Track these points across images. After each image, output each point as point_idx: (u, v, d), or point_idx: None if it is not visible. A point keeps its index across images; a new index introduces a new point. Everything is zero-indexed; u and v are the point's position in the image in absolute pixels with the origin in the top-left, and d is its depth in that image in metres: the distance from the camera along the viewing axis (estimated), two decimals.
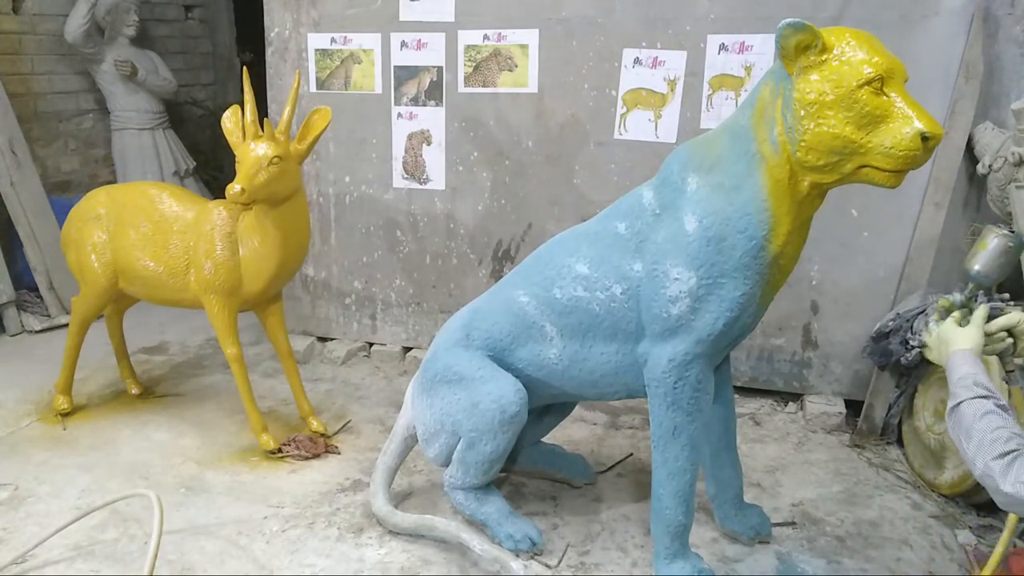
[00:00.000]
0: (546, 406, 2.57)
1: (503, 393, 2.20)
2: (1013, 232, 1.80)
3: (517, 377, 2.25)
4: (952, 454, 2.63)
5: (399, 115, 3.58)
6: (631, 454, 2.95)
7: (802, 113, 1.74)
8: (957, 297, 1.81)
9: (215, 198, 3.13)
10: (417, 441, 2.48)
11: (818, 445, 3.06)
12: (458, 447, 2.32)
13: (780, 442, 3.08)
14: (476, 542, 2.25)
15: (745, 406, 3.34)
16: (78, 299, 3.06)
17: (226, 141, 2.63)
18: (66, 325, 3.40)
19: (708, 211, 1.92)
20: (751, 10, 3.05)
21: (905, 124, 1.67)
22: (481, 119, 3.47)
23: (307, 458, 2.88)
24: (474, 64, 3.42)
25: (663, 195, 2.03)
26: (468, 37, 3.40)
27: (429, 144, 3.57)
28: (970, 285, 1.82)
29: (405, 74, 3.53)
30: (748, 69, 3.10)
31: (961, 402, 1.53)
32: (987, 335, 1.69)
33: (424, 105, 3.54)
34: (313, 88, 3.66)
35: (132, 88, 4.71)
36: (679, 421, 2.05)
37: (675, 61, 3.18)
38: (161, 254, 2.81)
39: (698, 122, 3.19)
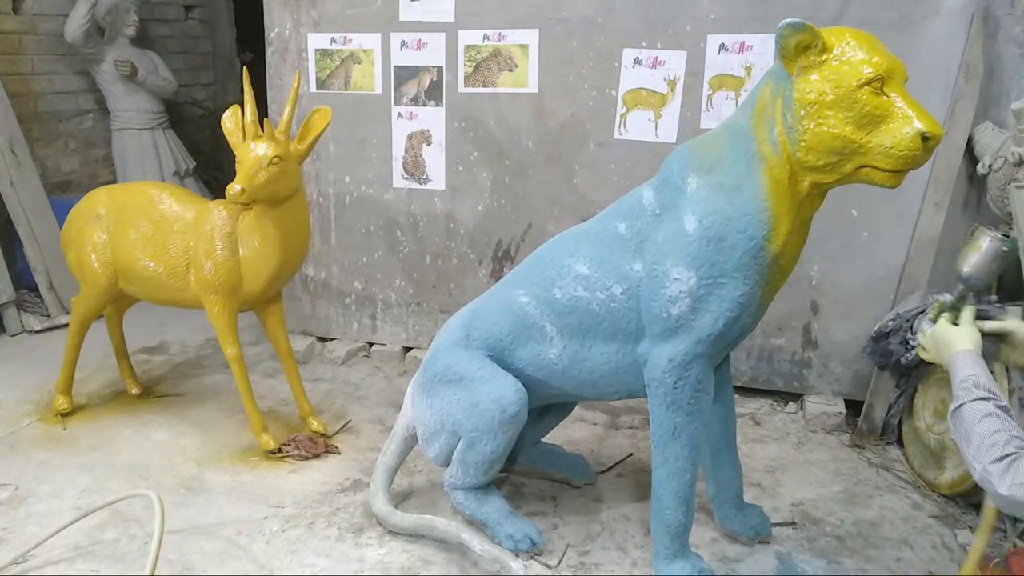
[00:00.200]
0: (546, 406, 2.57)
1: (503, 393, 2.20)
2: (1007, 236, 1.80)
3: (517, 377, 2.25)
4: (952, 454, 2.63)
5: (399, 115, 3.58)
6: (631, 454, 2.95)
7: (802, 113, 1.74)
8: (948, 298, 1.81)
9: (215, 198, 3.13)
10: (417, 441, 2.48)
11: (818, 445, 3.06)
12: (458, 447, 2.32)
13: (780, 442, 3.08)
14: (476, 542, 2.25)
15: (745, 406, 3.34)
16: (78, 299, 3.06)
17: (226, 141, 2.64)
18: (66, 325, 3.40)
19: (708, 211, 1.92)
20: (751, 10, 3.05)
21: (905, 124, 1.67)
22: (481, 119, 3.47)
23: (307, 458, 2.88)
24: (474, 64, 3.42)
25: (663, 195, 2.03)
26: (468, 37, 3.40)
27: (429, 144, 3.57)
28: (960, 286, 1.81)
29: (405, 74, 3.53)
30: (748, 69, 3.10)
31: (962, 404, 1.53)
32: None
33: (424, 105, 3.54)
34: (313, 88, 3.66)
35: (132, 88, 4.71)
36: (679, 421, 2.05)
37: (675, 61, 3.18)
38: (161, 254, 2.81)
39: (698, 122, 3.19)
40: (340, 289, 3.88)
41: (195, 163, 5.17)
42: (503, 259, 3.60)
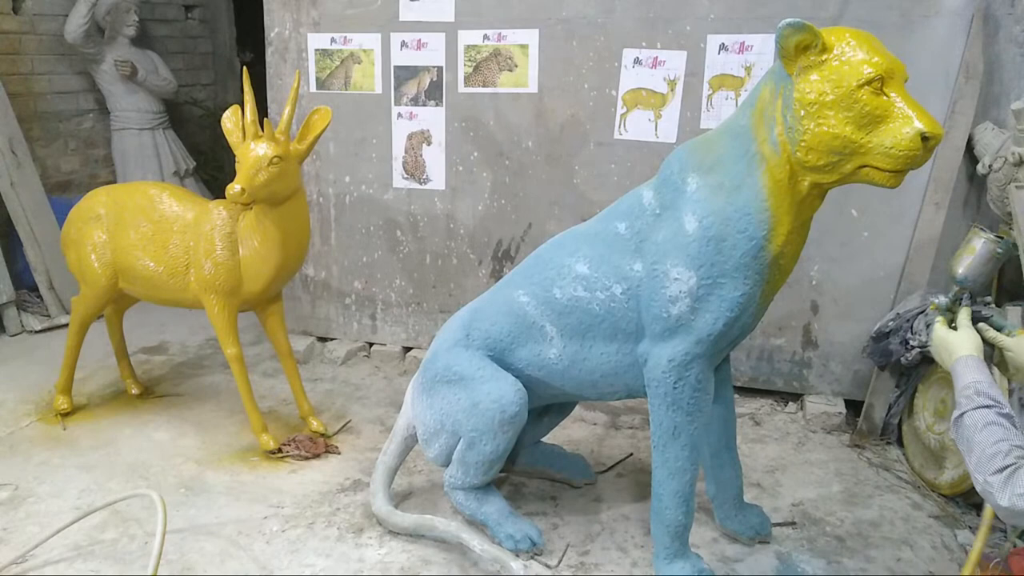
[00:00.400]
0: (546, 406, 2.57)
1: (503, 393, 2.20)
2: (1001, 238, 1.79)
3: (517, 377, 2.25)
4: (952, 454, 2.63)
5: (399, 115, 3.58)
6: (631, 454, 2.95)
7: (802, 113, 1.74)
8: (943, 300, 1.81)
9: (215, 198, 3.13)
10: (417, 441, 2.48)
11: (818, 445, 3.06)
12: (458, 447, 2.32)
13: (780, 442, 3.08)
14: (476, 542, 2.25)
15: (745, 406, 3.34)
16: (78, 299, 3.06)
17: (226, 141, 2.64)
18: (66, 325, 3.40)
19: (708, 211, 1.92)
20: (751, 10, 3.05)
21: (905, 124, 1.67)
22: (481, 119, 3.47)
23: (307, 458, 2.88)
24: (474, 64, 3.42)
25: (663, 195, 2.03)
26: (468, 37, 3.40)
27: (429, 144, 3.57)
28: (955, 288, 1.81)
29: (405, 74, 3.53)
30: (748, 69, 3.10)
31: (964, 413, 1.52)
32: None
33: (424, 105, 3.54)
34: (313, 88, 3.66)
35: (132, 88, 4.71)
36: (679, 421, 2.05)
37: (675, 61, 3.18)
38: (161, 254, 2.81)
39: (698, 122, 3.19)
40: (340, 289, 3.88)
41: (195, 163, 5.17)
42: (503, 259, 3.60)
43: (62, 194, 4.64)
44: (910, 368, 2.92)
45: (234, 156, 2.55)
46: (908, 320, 2.88)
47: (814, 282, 3.22)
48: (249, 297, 2.81)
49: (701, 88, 3.17)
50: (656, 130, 3.26)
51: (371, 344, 3.93)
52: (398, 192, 3.67)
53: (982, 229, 1.81)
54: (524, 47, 3.35)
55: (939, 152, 2.91)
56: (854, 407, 3.20)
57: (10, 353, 3.89)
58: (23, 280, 4.31)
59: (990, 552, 2.16)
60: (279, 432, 3.03)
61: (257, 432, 2.92)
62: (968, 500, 2.58)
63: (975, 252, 1.79)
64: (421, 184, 3.63)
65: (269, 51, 3.69)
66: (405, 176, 3.65)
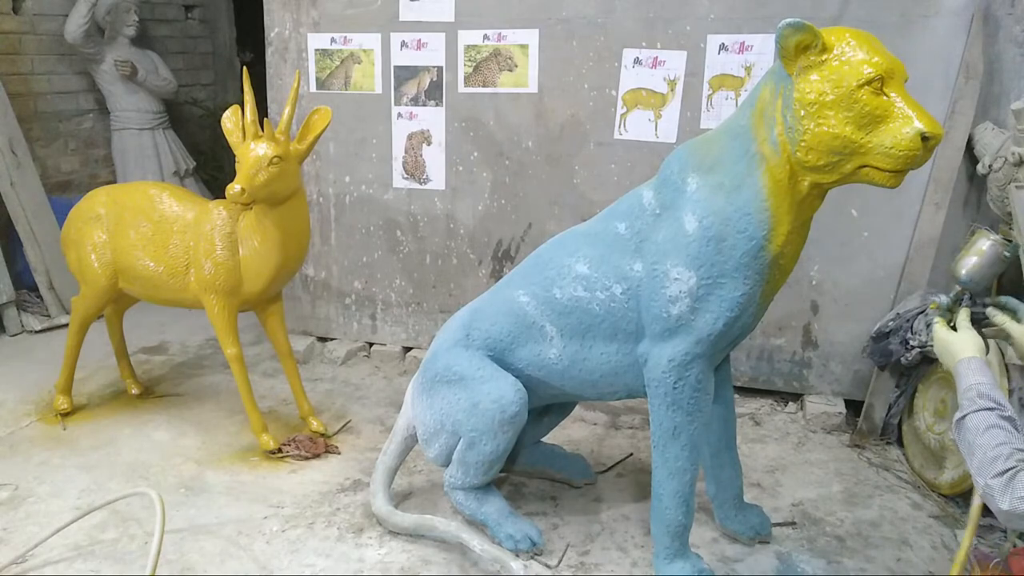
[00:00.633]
0: (546, 406, 2.57)
1: (503, 393, 2.20)
2: (1010, 241, 1.78)
3: (517, 377, 2.25)
4: (952, 454, 2.63)
5: (399, 115, 3.58)
6: (631, 454, 2.95)
7: (802, 113, 1.74)
8: (944, 299, 1.80)
9: (215, 198, 3.13)
10: (417, 441, 2.48)
11: (818, 445, 3.06)
12: (458, 447, 2.32)
13: (780, 442, 3.08)
14: (476, 542, 2.25)
15: (745, 406, 3.34)
16: (78, 299, 3.06)
17: (226, 141, 2.64)
18: (66, 325, 3.40)
19: (708, 211, 1.92)
20: (751, 10, 3.05)
21: (905, 124, 1.67)
22: (481, 119, 3.47)
23: (307, 458, 2.88)
24: (474, 64, 3.42)
25: (663, 195, 2.03)
26: (468, 37, 3.40)
27: (429, 144, 3.57)
28: (956, 288, 1.81)
29: (405, 74, 3.53)
30: (748, 69, 3.10)
31: (966, 415, 1.52)
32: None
33: (424, 105, 3.54)
34: (313, 88, 3.66)
35: (132, 88, 4.71)
36: (679, 421, 2.05)
37: (675, 61, 3.18)
38: (161, 254, 2.81)
39: (698, 122, 3.19)
40: (340, 289, 3.88)
41: (195, 163, 5.16)
42: (503, 259, 3.60)
43: (62, 194, 4.64)
44: (910, 368, 2.92)
45: (234, 156, 2.55)
46: (908, 320, 2.88)
47: (814, 282, 3.22)
48: (249, 297, 2.81)
49: (701, 88, 3.17)
50: (656, 130, 3.26)
51: (371, 344, 3.93)
52: (398, 192, 3.67)
53: (988, 230, 1.80)
54: (524, 47, 3.35)
55: (939, 152, 2.91)
56: (854, 407, 3.20)
57: (10, 353, 3.89)
58: (23, 280, 4.30)
59: (990, 552, 2.16)
60: (279, 432, 3.03)
61: (257, 432, 2.92)
62: (968, 500, 2.58)
63: (982, 254, 1.77)
64: (421, 184, 3.63)
65: (269, 51, 3.69)
66: (405, 176, 3.64)
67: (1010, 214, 2.67)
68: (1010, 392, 2.32)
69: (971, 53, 2.88)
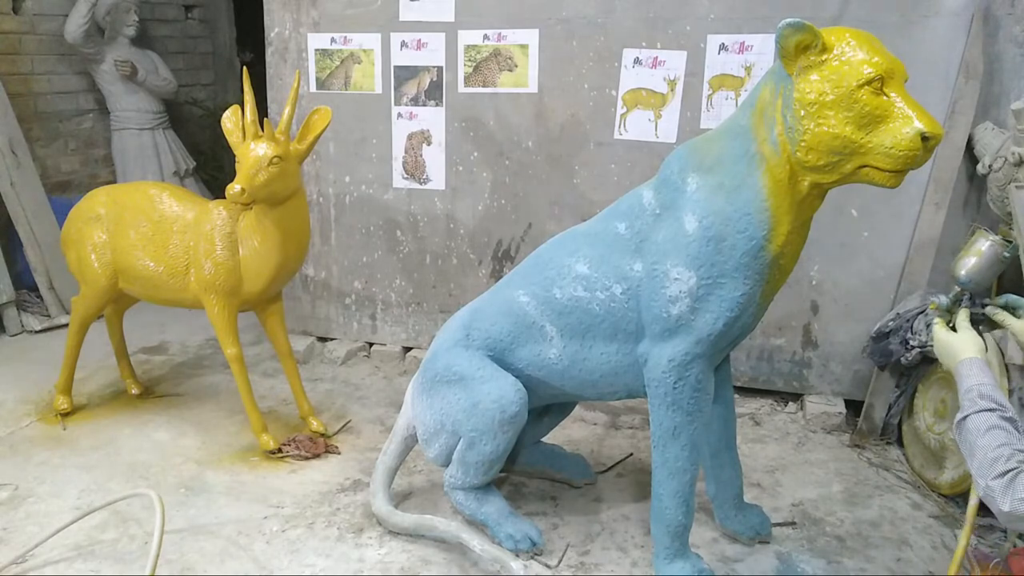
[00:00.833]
0: (546, 406, 2.57)
1: (503, 393, 2.20)
2: (1010, 242, 1.78)
3: (517, 377, 2.25)
4: (952, 454, 2.63)
5: (399, 115, 3.58)
6: (631, 454, 2.95)
7: (802, 113, 1.74)
8: (943, 300, 1.80)
9: (215, 198, 3.13)
10: (417, 441, 2.48)
11: (818, 445, 3.06)
12: (458, 447, 2.32)
13: (780, 442, 3.08)
14: (476, 542, 2.25)
15: (745, 406, 3.34)
16: (78, 299, 3.06)
17: (226, 141, 2.64)
18: (66, 325, 3.40)
19: (708, 211, 1.92)
20: (751, 10, 3.05)
21: (905, 124, 1.67)
22: (481, 119, 3.47)
23: (307, 458, 2.88)
24: (474, 64, 3.42)
25: (663, 195, 2.03)
26: (468, 37, 3.40)
27: (429, 144, 3.57)
28: (956, 289, 1.81)
29: (405, 74, 3.53)
30: (748, 69, 3.10)
31: (967, 416, 1.52)
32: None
33: (424, 105, 3.54)
34: (313, 88, 3.66)
35: (132, 88, 4.71)
36: (679, 421, 2.05)
37: (675, 61, 3.18)
38: (161, 254, 2.81)
39: (698, 122, 3.19)
40: (340, 289, 3.88)
41: (195, 163, 5.17)
42: (503, 259, 3.60)
43: (62, 194, 4.64)
44: (910, 368, 2.92)
45: (234, 156, 2.55)
46: (908, 320, 2.88)
47: (814, 282, 3.22)
48: (249, 297, 2.81)
49: (701, 88, 3.17)
50: (656, 130, 3.26)
51: (371, 344, 3.93)
52: (398, 192, 3.67)
53: (988, 231, 1.80)
54: (524, 47, 3.35)
55: (939, 152, 2.91)
56: (854, 407, 3.20)
57: (10, 353, 3.89)
58: (23, 280, 4.30)
59: (990, 552, 2.16)
60: (279, 432, 3.03)
61: (257, 432, 2.92)
62: (968, 500, 2.58)
63: (981, 254, 1.77)
64: (421, 184, 3.63)
65: (269, 51, 3.69)
66: (405, 176, 3.64)
67: (1010, 214, 2.67)
68: (1010, 392, 2.32)
69: (971, 53, 2.88)
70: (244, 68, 2.75)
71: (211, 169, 5.60)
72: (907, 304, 2.96)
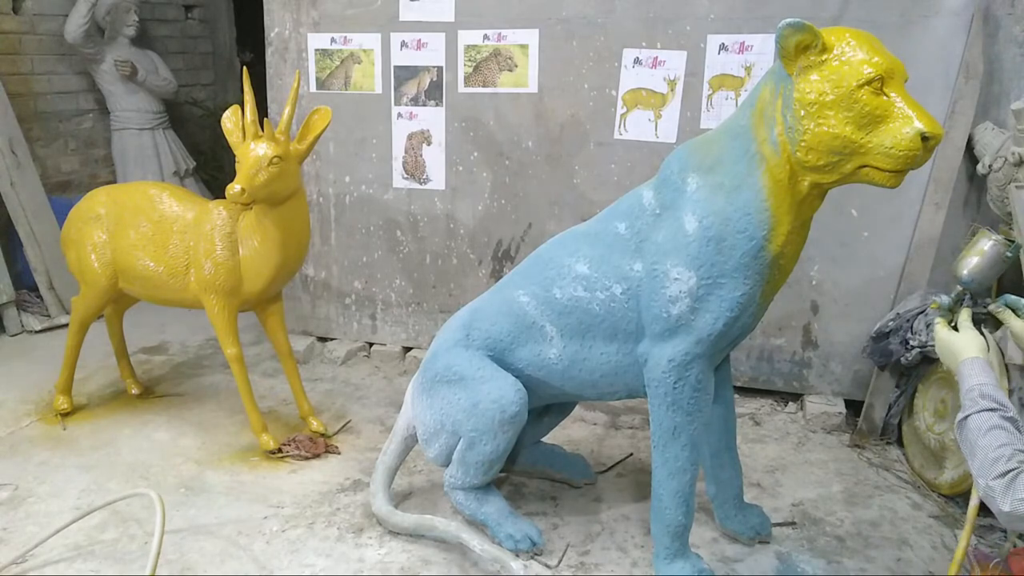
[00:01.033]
0: (546, 406, 2.57)
1: (503, 393, 2.20)
2: (1012, 242, 1.78)
3: (517, 377, 2.25)
4: (952, 454, 2.63)
5: (399, 115, 3.58)
6: (631, 454, 2.95)
7: (802, 113, 1.74)
8: (944, 299, 1.80)
9: (215, 198, 3.13)
10: (417, 441, 2.48)
11: (818, 445, 3.06)
12: (458, 447, 2.32)
13: (780, 442, 3.08)
14: (476, 542, 2.25)
15: (745, 406, 3.34)
16: (78, 299, 3.06)
17: (226, 141, 2.64)
18: (66, 325, 3.40)
19: (708, 211, 1.92)
20: (751, 10, 3.05)
21: (905, 124, 1.67)
22: (481, 119, 3.47)
23: (307, 458, 2.88)
24: (474, 64, 3.42)
25: (663, 195, 2.03)
26: (468, 37, 3.40)
27: (429, 144, 3.57)
28: (957, 288, 1.80)
29: (405, 74, 3.53)
30: (748, 69, 3.10)
31: (968, 416, 1.52)
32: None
33: (424, 105, 3.54)
34: (313, 88, 3.66)
35: (132, 88, 4.71)
36: (679, 421, 2.05)
37: (675, 61, 3.18)
38: (161, 254, 2.81)
39: (698, 122, 3.19)
40: (340, 289, 3.88)
41: (195, 163, 5.17)
42: (503, 259, 3.60)
43: (62, 194, 4.64)
44: (910, 368, 2.92)
45: (234, 156, 2.55)
46: (908, 320, 2.88)
47: (814, 282, 3.22)
48: (249, 297, 2.81)
49: (701, 88, 3.17)
50: (656, 130, 3.26)
51: (371, 344, 3.93)
52: (398, 192, 3.67)
53: (990, 231, 1.80)
54: (524, 47, 3.35)
55: (939, 152, 2.91)
56: (854, 407, 3.20)
57: (10, 353, 3.89)
58: (23, 280, 4.30)
59: (990, 552, 2.16)
60: (279, 432, 3.03)
61: (257, 432, 2.92)
62: (968, 500, 2.58)
63: (983, 254, 1.77)
64: (421, 184, 3.63)
65: (269, 51, 3.69)
66: (405, 176, 3.64)
67: (1010, 214, 2.67)
68: (1010, 392, 2.32)
69: (971, 53, 2.88)
70: (244, 68, 2.75)
71: (211, 169, 5.60)
72: (907, 304, 2.96)
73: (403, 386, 3.49)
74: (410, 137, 3.59)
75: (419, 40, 3.46)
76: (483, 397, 2.21)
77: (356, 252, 3.81)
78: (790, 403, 3.38)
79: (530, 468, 2.71)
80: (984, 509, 1.97)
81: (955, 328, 1.72)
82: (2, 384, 3.49)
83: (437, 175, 3.60)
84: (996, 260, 1.76)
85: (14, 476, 2.73)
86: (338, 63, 3.60)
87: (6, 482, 2.69)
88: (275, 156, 2.49)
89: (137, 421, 3.17)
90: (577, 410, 3.10)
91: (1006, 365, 2.32)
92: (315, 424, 3.05)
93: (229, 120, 2.65)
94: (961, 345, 1.65)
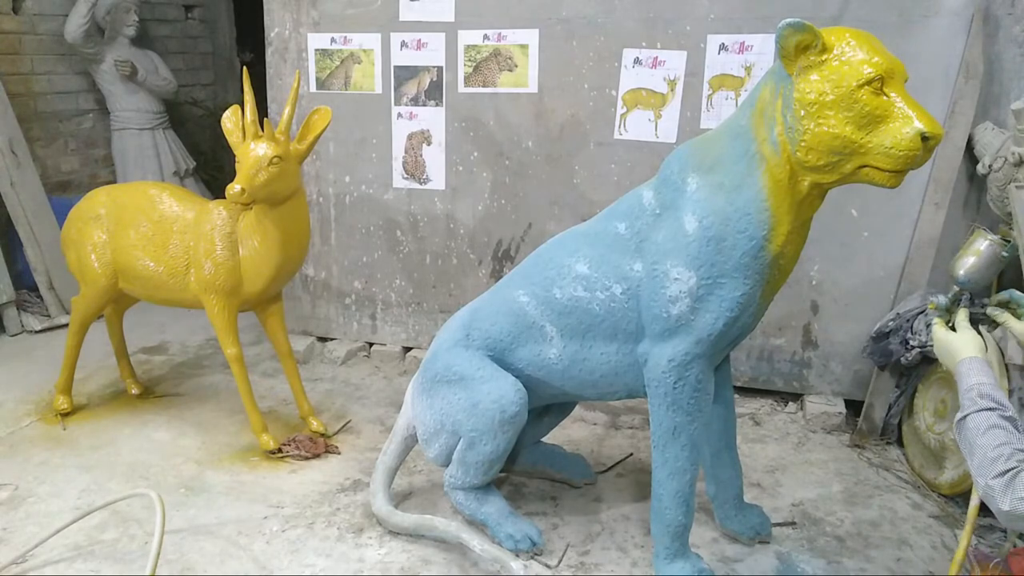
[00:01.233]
0: (546, 406, 2.57)
1: (503, 393, 2.20)
2: (1008, 241, 1.78)
3: (517, 377, 2.25)
4: (952, 454, 2.63)
5: (399, 115, 3.58)
6: (631, 454, 2.95)
7: (802, 113, 1.74)
8: (942, 300, 1.80)
9: (215, 198, 3.13)
10: (417, 441, 2.48)
11: (818, 445, 3.06)
12: (458, 447, 2.32)
13: (780, 442, 3.08)
14: (476, 542, 2.25)
15: (745, 406, 3.34)
16: (78, 299, 3.06)
17: (226, 141, 2.64)
18: (66, 325, 3.40)
19: (708, 211, 1.92)
20: (751, 10, 3.05)
21: (905, 124, 1.67)
22: (481, 119, 3.47)
23: (307, 458, 2.88)
24: (474, 64, 3.42)
25: (663, 195, 2.03)
26: (468, 37, 3.40)
27: (429, 144, 3.57)
28: (954, 288, 1.81)
29: (405, 74, 3.53)
30: (748, 69, 3.10)
31: (967, 415, 1.52)
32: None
33: (424, 105, 3.54)
34: (313, 88, 3.66)
35: (132, 88, 4.71)
36: (679, 421, 2.05)
37: (675, 61, 3.18)
38: (161, 254, 2.81)
39: (698, 122, 3.19)
40: (340, 289, 3.88)
41: (195, 163, 5.16)
42: (503, 259, 3.60)
43: (62, 194, 4.64)
44: (910, 368, 2.92)
45: (234, 156, 2.55)
46: (908, 320, 2.88)
47: (814, 282, 3.22)
48: (249, 297, 2.81)
49: (701, 88, 3.17)
50: (656, 130, 3.26)
51: (371, 344, 3.93)
52: (398, 192, 3.67)
53: (986, 230, 1.80)
54: (524, 47, 3.35)
55: (939, 152, 2.91)
56: (854, 407, 3.20)
57: (10, 353, 3.89)
58: (23, 280, 4.30)
59: (990, 552, 2.16)
60: (279, 432, 3.03)
61: (257, 432, 2.92)
62: (968, 500, 2.58)
63: (979, 254, 1.77)
64: (421, 184, 3.63)
65: (269, 51, 3.69)
66: (405, 176, 3.65)
67: (1010, 214, 2.67)
68: (1010, 392, 2.32)
69: (971, 53, 2.88)
70: (244, 68, 2.75)
71: (211, 169, 5.60)
72: (907, 304, 2.96)
73: (403, 386, 3.49)
74: (410, 137, 3.59)
75: (419, 40, 3.46)
76: (483, 397, 2.21)
77: (356, 252, 3.81)
78: (790, 403, 3.38)
79: (530, 468, 2.71)
80: (984, 509, 1.97)
81: (953, 328, 1.72)
82: (2, 384, 3.49)
83: (437, 175, 3.60)
84: (992, 260, 1.77)
85: (14, 476, 2.73)
86: (338, 63, 3.60)
87: (6, 482, 2.69)
88: (275, 156, 2.49)
89: (137, 421, 3.17)
90: (577, 410, 3.10)
91: (1006, 365, 2.32)
92: (315, 424, 3.05)
93: (229, 120, 2.65)
94: (959, 345, 1.65)
